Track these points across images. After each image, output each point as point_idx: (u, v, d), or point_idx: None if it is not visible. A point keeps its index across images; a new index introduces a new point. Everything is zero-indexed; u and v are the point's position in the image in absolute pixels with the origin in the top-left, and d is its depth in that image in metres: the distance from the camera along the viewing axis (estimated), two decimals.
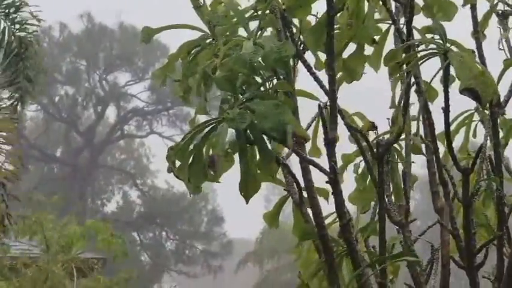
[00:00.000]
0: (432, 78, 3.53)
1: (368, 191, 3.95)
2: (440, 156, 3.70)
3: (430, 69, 3.47)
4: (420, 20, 3.53)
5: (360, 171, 3.98)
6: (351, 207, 3.87)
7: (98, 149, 52.41)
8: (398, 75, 3.44)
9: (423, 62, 3.44)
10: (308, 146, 3.69)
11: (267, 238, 41.82)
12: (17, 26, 15.51)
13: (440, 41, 3.34)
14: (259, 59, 3.10)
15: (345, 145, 3.67)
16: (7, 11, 15.43)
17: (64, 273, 16.95)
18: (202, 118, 3.45)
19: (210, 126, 3.10)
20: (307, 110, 3.59)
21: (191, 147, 3.13)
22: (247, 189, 3.11)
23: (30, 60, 15.47)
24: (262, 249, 42.59)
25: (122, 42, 51.53)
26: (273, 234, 39.16)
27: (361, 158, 3.86)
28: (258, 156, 3.11)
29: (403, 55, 3.45)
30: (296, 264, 3.91)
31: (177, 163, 3.19)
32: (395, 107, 3.57)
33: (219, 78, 3.14)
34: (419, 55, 3.42)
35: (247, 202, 3.14)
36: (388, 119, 3.86)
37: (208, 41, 3.62)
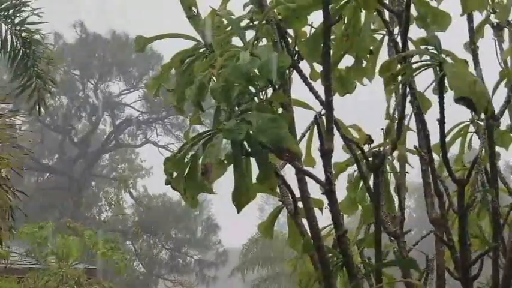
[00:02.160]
0: (426, 89, 3.52)
1: (359, 201, 3.95)
2: (436, 167, 3.70)
3: (425, 79, 3.47)
4: (415, 30, 3.53)
5: (352, 181, 3.98)
6: (345, 218, 3.87)
7: (93, 158, 52.38)
8: (393, 86, 3.43)
9: (418, 73, 3.44)
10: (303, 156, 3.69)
11: (255, 247, 41.79)
12: (18, 28, 15.46)
13: (435, 52, 3.34)
14: (256, 69, 3.10)
15: (336, 154, 3.67)
16: (6, 13, 15.38)
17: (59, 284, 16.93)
18: (198, 127, 3.45)
19: (207, 138, 3.09)
20: (300, 119, 3.59)
21: (187, 158, 3.13)
22: (240, 199, 3.10)
23: (37, 58, 15.44)
24: (249, 259, 42.53)
25: (115, 52, 51.53)
26: (263, 243, 39.18)
27: (353, 167, 3.86)
28: (254, 168, 3.10)
29: (398, 66, 3.45)
30: (288, 272, 3.90)
31: (174, 174, 3.19)
32: (390, 119, 3.57)
33: (216, 89, 3.13)
34: (414, 66, 3.41)
35: (238, 211, 3.13)
36: (383, 129, 3.86)
37: (201, 50, 3.62)
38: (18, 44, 15.28)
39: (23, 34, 15.39)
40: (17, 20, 15.38)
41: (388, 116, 3.64)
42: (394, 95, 3.73)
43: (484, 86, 3.26)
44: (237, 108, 3.14)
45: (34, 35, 15.66)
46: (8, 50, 15.26)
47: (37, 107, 15.41)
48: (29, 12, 15.49)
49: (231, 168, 3.12)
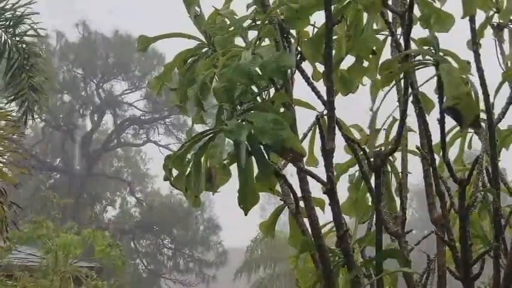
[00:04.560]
0: (420, 85, 3.53)
1: (361, 201, 3.95)
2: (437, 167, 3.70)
3: (430, 81, 3.48)
4: (418, 31, 3.54)
5: (353, 181, 3.98)
6: (346, 218, 3.88)
7: (95, 157, 52.36)
8: (384, 83, 3.43)
9: (414, 71, 3.45)
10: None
11: (259, 247, 41.81)
12: (18, 38, 15.48)
13: (433, 52, 3.35)
14: (258, 69, 3.11)
15: (338, 154, 3.67)
16: (7, 23, 15.40)
17: (61, 282, 16.92)
18: (199, 127, 3.46)
19: (208, 136, 3.10)
20: (304, 118, 3.60)
21: (189, 156, 3.13)
22: (247, 201, 3.11)
23: (34, 71, 15.46)
24: (253, 258, 42.54)
25: (118, 51, 51.57)
26: (266, 243, 39.19)
27: (355, 168, 3.87)
28: (256, 168, 3.11)
29: (399, 66, 3.46)
30: (290, 271, 3.91)
31: (174, 172, 3.19)
32: (374, 114, 3.59)
33: (218, 88, 3.14)
34: (411, 64, 3.42)
35: (246, 214, 3.13)
36: (385, 129, 3.87)
37: (204, 50, 3.62)
38: (16, 55, 15.30)
39: (22, 45, 15.41)
40: (17, 31, 15.40)
41: (373, 109, 3.64)
42: (396, 95, 3.75)
43: (476, 99, 3.25)
44: (239, 107, 3.15)
45: (33, 47, 15.69)
46: (7, 58, 15.28)
47: (24, 117, 15.41)
48: (29, 25, 15.53)
49: (233, 167, 3.12)
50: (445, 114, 3.21)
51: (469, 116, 3.13)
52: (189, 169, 3.14)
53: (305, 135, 3.77)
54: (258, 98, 3.28)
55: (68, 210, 44.23)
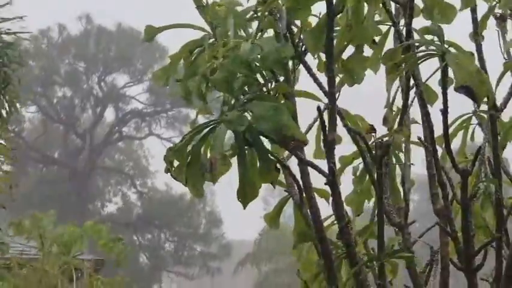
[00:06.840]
0: (427, 79, 3.53)
1: (365, 194, 3.95)
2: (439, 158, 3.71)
3: (430, 71, 3.48)
4: (421, 22, 3.54)
5: (357, 173, 3.98)
6: (350, 209, 3.89)
7: (97, 151, 52.37)
8: (393, 75, 3.44)
9: (421, 62, 3.45)
10: (311, 148, 3.69)
11: (266, 239, 41.76)
12: (5, 59, 15.44)
13: (439, 43, 3.35)
14: (257, 59, 3.11)
15: (345, 146, 3.67)
16: None
17: (61, 275, 16.89)
18: (202, 120, 3.46)
19: (209, 128, 3.11)
20: (311, 111, 3.60)
21: (189, 148, 3.14)
22: (245, 195, 3.12)
23: (9, 94, 15.44)
24: (261, 251, 42.50)
25: (120, 44, 51.55)
26: (272, 236, 39.14)
27: (359, 160, 3.87)
28: (257, 160, 3.11)
29: (402, 56, 3.46)
30: (295, 265, 3.90)
31: (175, 164, 3.20)
32: (390, 108, 3.59)
33: (216, 79, 3.15)
34: (417, 56, 3.42)
35: (244, 208, 3.14)
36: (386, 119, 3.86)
37: (210, 41, 3.61)
38: None
39: (5, 69, 15.34)
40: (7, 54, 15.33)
41: (388, 105, 3.65)
42: (395, 85, 3.74)
43: (486, 76, 3.27)
44: (242, 97, 3.16)
45: (13, 70, 15.66)
46: None
47: None
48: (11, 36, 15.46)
49: (234, 159, 3.13)
50: (460, 93, 3.21)
51: (481, 91, 3.16)
52: (189, 160, 3.15)
53: (310, 127, 3.76)
54: (264, 88, 3.29)
55: (69, 204, 44.25)
